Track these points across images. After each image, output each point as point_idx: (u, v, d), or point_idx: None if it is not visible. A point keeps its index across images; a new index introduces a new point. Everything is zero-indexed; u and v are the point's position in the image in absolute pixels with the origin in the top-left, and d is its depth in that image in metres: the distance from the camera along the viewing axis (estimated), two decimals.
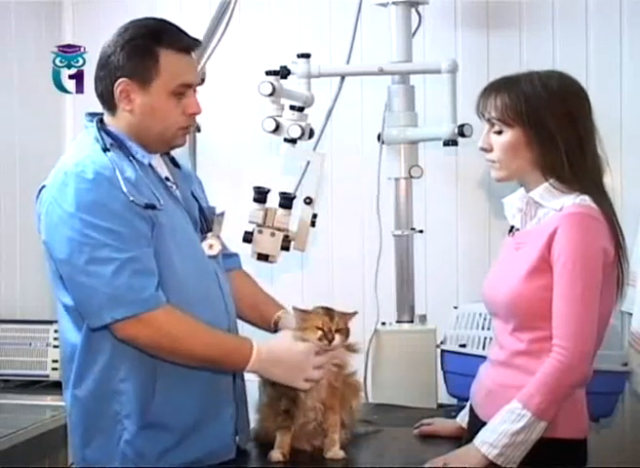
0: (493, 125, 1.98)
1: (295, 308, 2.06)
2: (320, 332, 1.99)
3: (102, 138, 1.96)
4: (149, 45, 1.95)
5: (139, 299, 1.86)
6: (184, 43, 2.00)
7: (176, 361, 1.93)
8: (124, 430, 1.93)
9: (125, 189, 1.88)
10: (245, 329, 2.23)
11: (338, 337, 2.01)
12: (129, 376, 1.93)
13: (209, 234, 2.10)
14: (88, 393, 1.95)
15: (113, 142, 1.97)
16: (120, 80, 1.95)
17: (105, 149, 1.93)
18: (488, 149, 2.01)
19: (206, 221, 2.12)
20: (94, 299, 1.87)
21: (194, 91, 2.03)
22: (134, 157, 1.97)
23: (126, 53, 1.94)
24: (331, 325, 2.01)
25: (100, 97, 2.02)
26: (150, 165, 2.02)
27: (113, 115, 2.00)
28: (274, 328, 2.20)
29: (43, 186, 1.96)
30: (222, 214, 2.17)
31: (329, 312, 2.04)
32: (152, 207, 1.92)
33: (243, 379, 2.12)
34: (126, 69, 1.95)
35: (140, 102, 1.96)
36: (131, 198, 1.88)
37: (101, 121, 2.01)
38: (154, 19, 2.07)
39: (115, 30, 2.00)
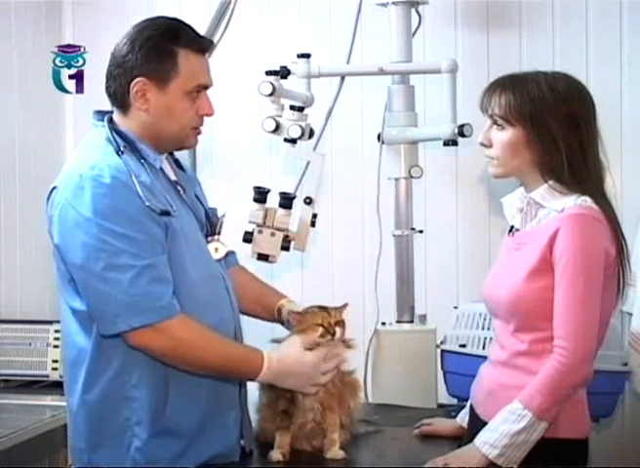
0: (495, 121, 1.98)
1: (290, 312, 2.06)
2: (321, 329, 2.00)
3: (115, 140, 1.93)
4: (168, 45, 1.94)
5: (155, 308, 1.85)
6: (201, 44, 2.00)
7: (187, 369, 1.92)
8: (134, 437, 1.92)
9: (141, 194, 1.87)
10: (248, 328, 2.22)
11: (338, 330, 2.01)
12: (141, 383, 1.92)
13: (214, 237, 2.09)
14: (98, 398, 1.93)
15: (126, 144, 1.94)
16: (137, 79, 1.93)
17: (119, 151, 1.92)
18: (487, 145, 2.00)
19: (210, 224, 2.11)
20: (110, 306, 1.85)
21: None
22: (145, 160, 1.96)
23: (144, 52, 1.92)
24: (330, 319, 2.01)
25: (112, 95, 1.99)
26: (161, 168, 2.00)
27: (125, 114, 1.98)
28: (278, 317, 2.20)
29: (54, 187, 1.93)
30: (224, 216, 2.17)
31: (324, 308, 2.04)
32: (167, 213, 1.91)
33: (246, 384, 2.11)
34: (144, 69, 1.93)
35: (157, 102, 1.95)
36: (147, 203, 1.87)
37: (111, 120, 1.99)
38: (169, 18, 2.04)
39: (129, 29, 1.97)
